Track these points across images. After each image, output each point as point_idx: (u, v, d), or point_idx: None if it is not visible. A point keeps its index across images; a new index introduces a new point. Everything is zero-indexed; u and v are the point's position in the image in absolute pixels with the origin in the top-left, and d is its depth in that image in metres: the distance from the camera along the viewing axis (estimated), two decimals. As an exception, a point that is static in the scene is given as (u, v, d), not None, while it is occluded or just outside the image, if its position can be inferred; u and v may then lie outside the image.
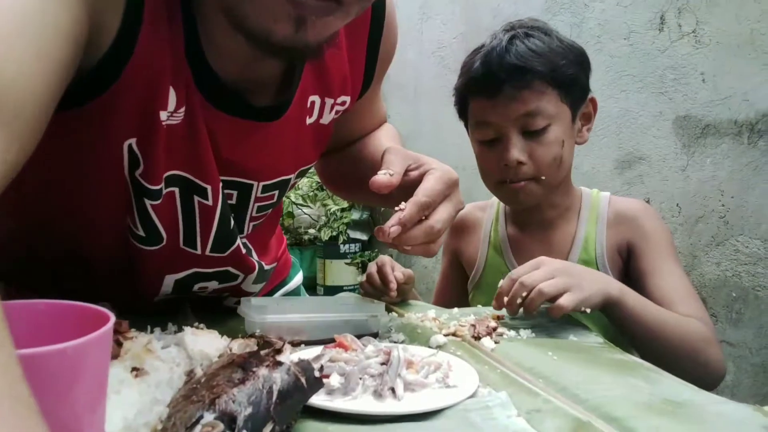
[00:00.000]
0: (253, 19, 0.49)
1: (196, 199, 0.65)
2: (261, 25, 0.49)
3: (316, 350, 0.57)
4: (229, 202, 0.68)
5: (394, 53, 0.77)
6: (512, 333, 0.69)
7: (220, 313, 0.79)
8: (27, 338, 0.29)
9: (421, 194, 0.59)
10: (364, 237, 2.60)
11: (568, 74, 0.92)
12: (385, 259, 0.93)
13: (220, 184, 0.65)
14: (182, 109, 0.59)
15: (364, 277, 0.94)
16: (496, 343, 0.63)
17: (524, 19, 0.97)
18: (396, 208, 0.59)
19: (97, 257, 0.70)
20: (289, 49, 0.51)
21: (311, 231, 2.56)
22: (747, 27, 1.25)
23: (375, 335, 0.69)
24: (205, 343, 0.57)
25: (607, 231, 0.97)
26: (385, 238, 0.58)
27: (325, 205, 2.56)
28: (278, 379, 0.40)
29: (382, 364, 0.51)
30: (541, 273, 0.71)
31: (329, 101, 0.70)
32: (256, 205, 0.71)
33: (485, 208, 1.11)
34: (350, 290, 2.63)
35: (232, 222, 0.68)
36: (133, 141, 0.58)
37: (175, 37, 0.55)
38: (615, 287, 0.76)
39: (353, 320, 0.69)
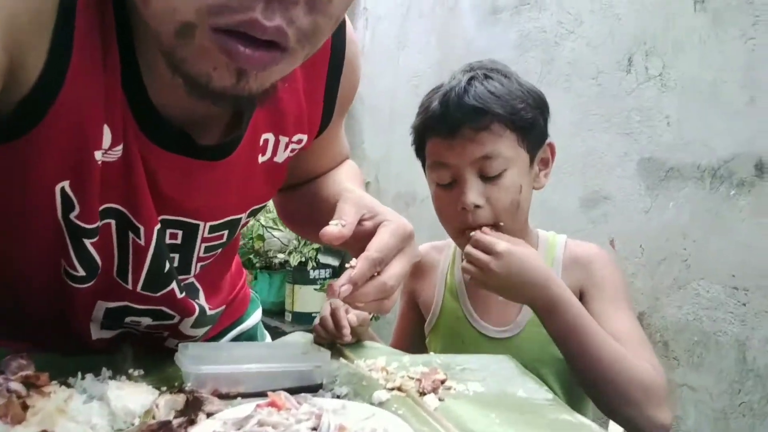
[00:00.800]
0: (191, 64, 0.46)
1: (131, 235, 0.62)
2: (200, 70, 0.46)
3: (247, 409, 0.54)
4: (173, 242, 0.66)
5: (354, 93, 0.76)
6: (461, 387, 0.67)
7: (161, 355, 0.76)
8: None
9: (374, 249, 0.56)
10: (335, 263, 2.57)
11: (526, 118, 0.91)
12: (338, 301, 0.91)
13: (157, 226, 0.62)
14: (119, 146, 0.56)
15: (317, 320, 0.92)
16: (440, 400, 0.61)
17: (484, 61, 0.97)
18: (347, 265, 0.56)
19: (30, 299, 0.67)
20: (231, 97, 0.48)
21: (281, 255, 2.52)
22: (710, 74, 1.27)
23: (319, 386, 0.67)
24: (130, 398, 0.55)
25: (562, 275, 0.97)
26: (335, 296, 0.55)
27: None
28: (187, 457, 0.38)
29: (313, 429, 0.49)
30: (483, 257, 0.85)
31: (284, 139, 0.68)
32: (203, 245, 0.69)
33: (442, 249, 1.10)
34: (318, 316, 2.57)
35: (167, 265, 0.65)
36: (65, 183, 0.55)
37: (110, 70, 0.52)
38: (550, 295, 0.83)
39: (296, 370, 0.66)
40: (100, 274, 0.63)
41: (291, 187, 0.81)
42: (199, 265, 0.71)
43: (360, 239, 0.58)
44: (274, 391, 0.62)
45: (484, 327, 0.99)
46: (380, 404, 0.61)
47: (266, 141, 0.66)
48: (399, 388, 0.65)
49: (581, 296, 0.94)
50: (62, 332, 0.70)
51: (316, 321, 0.91)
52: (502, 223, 0.91)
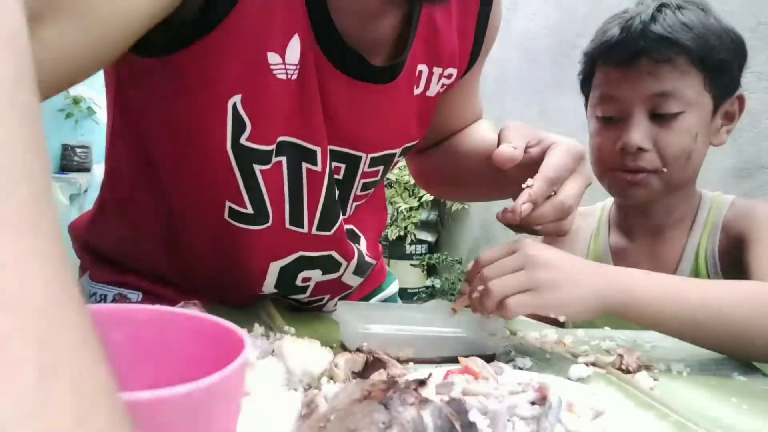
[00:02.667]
0: None
1: (305, 166, 0.60)
2: None
3: (436, 373, 0.47)
4: (336, 176, 0.64)
5: (497, 32, 0.73)
6: (662, 366, 0.57)
7: (307, 315, 0.72)
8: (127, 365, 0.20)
9: (549, 168, 0.55)
10: (431, 238, 2.49)
11: (719, 58, 0.78)
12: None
13: (328, 149, 0.61)
14: (296, 64, 0.54)
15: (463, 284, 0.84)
16: (655, 380, 0.51)
17: None
18: (523, 185, 0.55)
19: (195, 245, 0.65)
20: None
21: (377, 228, 2.48)
22: None
23: (491, 357, 0.59)
24: (307, 357, 0.49)
25: (721, 233, 0.83)
26: (514, 217, 0.54)
27: (393, 203, 2.46)
28: (430, 424, 0.30)
29: (532, 403, 0.41)
30: (508, 263, 0.55)
31: (437, 71, 0.65)
32: (362, 181, 0.66)
33: (587, 216, 0.98)
34: (414, 293, 2.52)
35: (338, 192, 0.64)
36: (237, 99, 0.53)
37: None
38: (618, 285, 0.57)
39: (468, 338, 0.59)
40: (272, 226, 0.61)
41: (430, 145, 0.79)
42: (354, 204, 0.69)
43: (526, 167, 0.56)
44: (443, 359, 0.56)
45: None
46: (579, 380, 0.52)
47: (420, 72, 0.64)
48: (594, 364, 0.56)
49: (741, 244, 0.79)
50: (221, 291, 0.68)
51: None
52: (665, 170, 0.79)
